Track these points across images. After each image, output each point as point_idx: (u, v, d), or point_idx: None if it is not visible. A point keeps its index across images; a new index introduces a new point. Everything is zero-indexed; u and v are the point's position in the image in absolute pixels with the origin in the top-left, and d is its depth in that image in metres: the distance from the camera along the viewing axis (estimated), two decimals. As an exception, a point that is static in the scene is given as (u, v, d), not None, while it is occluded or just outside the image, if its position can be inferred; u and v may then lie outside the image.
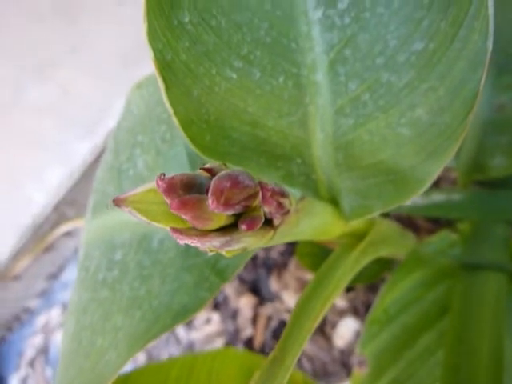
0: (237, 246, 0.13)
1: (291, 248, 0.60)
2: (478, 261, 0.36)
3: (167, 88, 0.16)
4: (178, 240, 0.11)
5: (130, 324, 0.21)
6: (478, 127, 0.39)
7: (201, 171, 0.12)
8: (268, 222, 0.15)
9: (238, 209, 0.12)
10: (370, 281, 0.51)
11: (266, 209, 0.14)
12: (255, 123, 0.19)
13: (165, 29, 0.16)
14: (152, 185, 0.12)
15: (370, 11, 0.18)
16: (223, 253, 0.13)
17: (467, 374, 0.30)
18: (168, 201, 0.11)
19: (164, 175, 0.11)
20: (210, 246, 0.12)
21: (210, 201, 0.11)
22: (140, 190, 0.11)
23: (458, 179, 0.43)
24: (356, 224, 0.23)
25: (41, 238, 0.73)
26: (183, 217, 0.11)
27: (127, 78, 0.64)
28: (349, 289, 0.55)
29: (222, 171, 0.11)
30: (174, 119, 0.17)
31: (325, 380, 0.52)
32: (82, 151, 0.70)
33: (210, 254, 0.12)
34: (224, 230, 0.12)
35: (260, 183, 0.13)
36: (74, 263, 0.80)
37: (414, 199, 0.42)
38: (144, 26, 0.16)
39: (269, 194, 0.13)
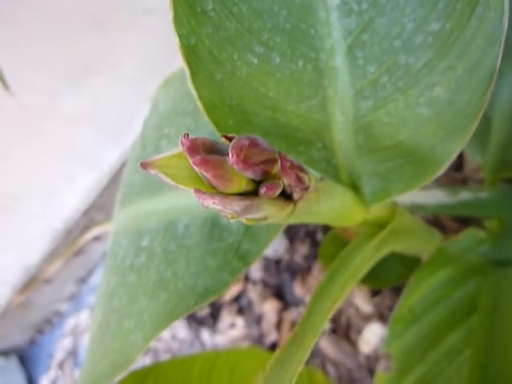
0: (257, 214, 0.13)
1: (315, 251, 0.60)
2: (506, 257, 0.35)
3: (192, 72, 0.17)
4: (200, 201, 0.12)
5: (156, 306, 0.21)
6: (505, 122, 0.38)
7: (223, 139, 0.13)
8: (288, 197, 0.16)
9: (257, 171, 0.12)
10: (396, 283, 0.50)
11: (286, 181, 0.14)
12: (276, 107, 0.19)
13: (189, 16, 0.17)
14: (177, 150, 0.12)
15: (387, -4, 0.18)
16: (244, 221, 0.14)
17: (496, 373, 0.29)
18: (190, 159, 0.12)
19: (188, 135, 0.11)
20: (231, 210, 0.13)
21: (229, 155, 0.11)
22: (166, 154, 0.12)
23: (485, 177, 0.42)
24: (377, 211, 0.23)
25: (71, 242, 0.75)
26: (205, 174, 0.12)
27: (155, 85, 0.66)
28: (374, 293, 0.54)
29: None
30: (199, 103, 0.18)
31: (350, 386, 0.51)
32: (110, 157, 0.73)
33: (232, 220, 0.13)
34: (245, 195, 0.13)
35: (279, 153, 0.13)
36: (102, 267, 0.82)
37: (441, 198, 0.42)
38: (170, 13, 0.17)
39: (287, 164, 0.13)
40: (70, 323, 0.79)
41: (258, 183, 0.13)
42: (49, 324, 0.83)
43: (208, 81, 0.18)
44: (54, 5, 0.69)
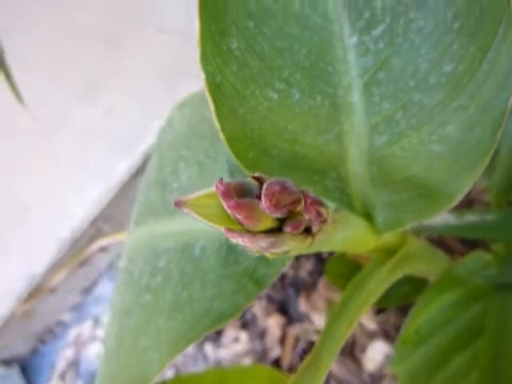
0: (280, 249, 0.14)
1: (320, 267, 0.60)
2: (512, 281, 0.35)
3: (217, 108, 0.18)
4: (230, 238, 0.13)
5: (172, 326, 0.22)
6: None
7: (251, 179, 0.14)
8: (307, 230, 0.16)
9: (284, 212, 0.13)
10: (402, 303, 0.51)
11: (306, 216, 0.15)
12: (294, 140, 0.20)
13: (215, 54, 0.18)
14: (208, 191, 0.13)
15: (402, 37, 0.19)
16: (267, 255, 0.14)
17: (503, 396, 0.29)
18: (224, 202, 0.12)
19: (222, 180, 0.12)
20: (257, 246, 0.13)
21: (263, 201, 0.12)
22: (197, 194, 0.13)
23: (491, 200, 0.43)
24: (389, 238, 0.24)
25: (77, 252, 0.76)
26: (237, 216, 0.12)
27: (165, 100, 0.67)
28: (379, 311, 0.55)
29: (270, 179, 0.13)
30: (222, 136, 0.19)
31: (354, 404, 0.51)
32: (119, 169, 0.74)
33: (256, 254, 0.14)
34: (270, 232, 0.14)
35: (302, 191, 0.14)
36: (107, 278, 0.82)
37: (447, 219, 0.42)
38: (198, 52, 0.18)
39: (309, 201, 0.14)
40: (72, 333, 0.79)
41: (281, 220, 0.14)
42: (51, 334, 0.83)
43: (231, 115, 0.19)
44: (69, 20, 0.71)
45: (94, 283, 0.84)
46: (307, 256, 0.63)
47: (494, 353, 0.32)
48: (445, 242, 0.51)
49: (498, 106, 0.17)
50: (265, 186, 0.12)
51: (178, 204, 0.12)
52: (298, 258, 0.64)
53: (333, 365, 0.54)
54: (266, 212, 0.13)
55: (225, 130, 0.19)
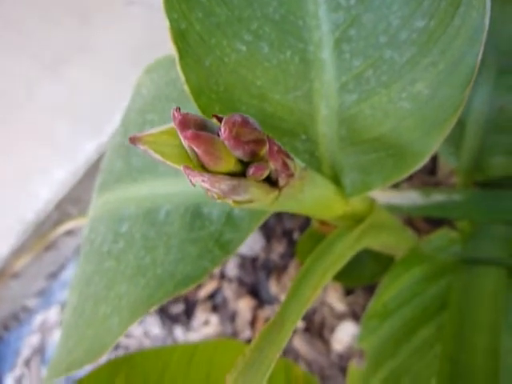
0: (243, 196, 0.13)
1: (291, 250, 0.60)
2: (477, 256, 0.36)
3: (181, 57, 0.17)
4: (189, 178, 0.12)
5: (134, 291, 0.21)
6: (480, 128, 0.40)
7: (213, 118, 0.13)
8: (274, 183, 0.16)
9: (246, 151, 0.12)
10: (370, 282, 0.51)
11: (272, 165, 0.15)
12: (263, 96, 0.20)
13: (181, 0, 0.17)
14: (166, 127, 0.12)
15: (374, -7, 0.19)
16: (230, 203, 0.14)
17: (464, 366, 0.30)
18: (180, 133, 0.12)
19: (180, 109, 0.12)
20: (218, 189, 0.13)
21: (222, 130, 0.11)
22: (155, 130, 0.12)
23: (458, 180, 0.44)
24: (356, 204, 0.23)
25: (42, 235, 0.73)
26: (196, 150, 0.12)
27: (134, 77, 0.65)
28: (348, 292, 0.55)
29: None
30: (186, 88, 0.18)
31: (322, 384, 0.52)
32: (87, 150, 0.71)
33: (218, 200, 0.13)
34: (233, 175, 0.13)
35: (267, 136, 0.13)
36: (74, 262, 0.80)
37: (415, 199, 0.43)
38: (161, -5, 0.17)
39: (275, 148, 0.14)
40: (38, 320, 0.77)
41: (245, 165, 0.13)
42: (16, 320, 0.80)
43: (196, 66, 0.18)
44: (33, -9, 0.68)
45: (61, 268, 0.81)
46: (278, 239, 0.63)
47: (456, 325, 0.33)
48: (412, 222, 0.52)
49: (467, 62, 0.17)
50: (225, 118, 0.12)
51: (133, 140, 0.12)
52: (269, 241, 0.64)
53: (302, 346, 0.54)
54: (227, 146, 0.12)
55: (189, 82, 0.18)
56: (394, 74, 0.19)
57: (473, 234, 0.39)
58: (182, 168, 0.12)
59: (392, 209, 0.42)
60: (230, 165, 0.13)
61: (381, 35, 0.19)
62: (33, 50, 0.68)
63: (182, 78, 0.18)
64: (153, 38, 0.65)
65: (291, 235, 0.61)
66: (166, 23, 0.17)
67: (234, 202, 0.14)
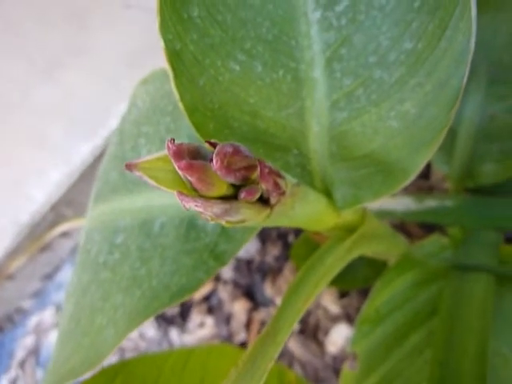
0: (235, 217, 0.14)
1: (286, 253, 0.61)
2: (468, 263, 0.37)
3: (176, 76, 0.18)
4: (183, 203, 0.13)
5: (130, 302, 0.22)
6: (471, 136, 0.41)
7: (206, 144, 0.14)
8: (265, 201, 0.16)
9: (238, 177, 0.13)
10: (363, 286, 0.52)
11: (264, 186, 0.15)
12: (255, 114, 0.20)
13: (175, 21, 0.18)
14: (161, 154, 0.13)
15: (364, 14, 0.19)
16: (223, 223, 0.14)
17: (454, 370, 0.31)
18: (175, 163, 0.12)
19: (174, 140, 0.12)
20: (211, 212, 0.13)
21: (214, 161, 0.12)
22: (150, 157, 0.13)
23: (450, 186, 0.44)
24: (348, 216, 0.24)
25: (37, 237, 0.74)
26: (189, 179, 0.12)
27: (131, 80, 0.65)
28: (342, 295, 0.56)
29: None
30: (180, 106, 0.19)
31: (316, 386, 0.52)
32: (82, 152, 0.72)
33: (211, 222, 0.14)
34: (225, 198, 0.13)
35: (258, 159, 0.14)
36: (69, 264, 0.80)
37: (408, 205, 0.44)
38: (157, 19, 0.17)
39: (266, 170, 0.14)
40: (33, 321, 0.77)
41: (237, 188, 0.14)
42: (10, 322, 0.80)
43: (191, 85, 0.18)
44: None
45: (56, 269, 0.81)
46: (274, 242, 0.64)
47: (446, 329, 0.34)
48: (405, 226, 0.53)
49: (453, 84, 0.18)
50: (217, 148, 0.12)
51: (129, 167, 0.12)
52: (264, 244, 0.64)
53: (296, 348, 0.54)
54: (219, 175, 0.12)
55: (184, 100, 0.18)
56: (383, 93, 0.19)
57: (463, 240, 0.40)
58: (175, 193, 0.12)
59: (385, 214, 0.43)
60: (222, 189, 0.13)
61: (371, 55, 0.19)
62: (29, 53, 0.68)
63: (177, 96, 0.18)
64: (150, 41, 0.66)
65: (286, 238, 0.62)
66: (161, 44, 0.18)
67: (227, 222, 0.14)
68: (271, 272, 0.62)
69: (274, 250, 0.64)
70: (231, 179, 0.13)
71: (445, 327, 0.34)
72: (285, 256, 0.62)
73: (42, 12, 0.66)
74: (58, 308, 0.78)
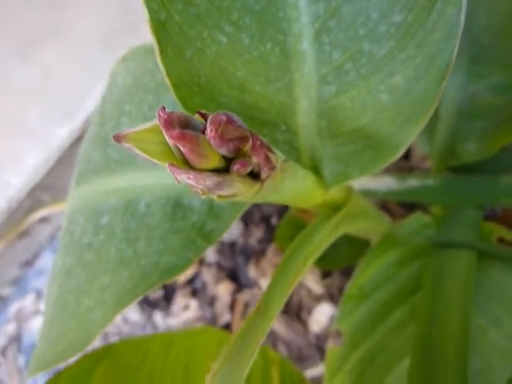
0: (227, 191, 0.14)
1: (270, 235, 0.61)
2: (449, 240, 0.37)
3: (161, 49, 0.17)
4: (174, 175, 0.12)
5: (118, 283, 0.21)
6: (452, 115, 0.41)
7: (196, 115, 0.13)
8: (256, 176, 0.16)
9: (231, 148, 0.13)
10: (346, 264, 0.53)
11: (255, 159, 0.15)
12: (243, 88, 0.20)
13: (160, -11, 0.17)
14: (151, 124, 0.12)
15: (353, -15, 0.19)
16: (215, 197, 0.14)
17: (438, 342, 0.32)
18: (166, 132, 0.12)
19: (164, 108, 0.12)
20: (203, 186, 0.13)
21: (208, 129, 0.11)
22: (139, 128, 0.12)
23: (431, 165, 0.45)
24: (335, 193, 0.24)
25: (15, 223, 0.72)
26: (181, 149, 0.12)
27: (109, 61, 0.63)
28: (325, 275, 0.56)
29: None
30: (166, 80, 0.18)
31: (300, 364, 0.53)
32: (59, 135, 0.70)
33: (203, 196, 0.13)
34: (217, 171, 0.13)
35: (250, 131, 0.14)
36: (49, 250, 0.78)
37: (390, 184, 0.44)
38: (140, -15, 0.16)
39: (258, 142, 0.14)
40: (13, 308, 0.76)
41: (229, 161, 0.14)
42: (-11, 309, 0.79)
43: (177, 57, 0.18)
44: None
45: (35, 256, 0.80)
46: (257, 224, 0.64)
47: (429, 306, 0.34)
48: (386, 206, 0.54)
49: (443, 57, 0.18)
50: (210, 116, 0.12)
51: (118, 138, 0.12)
52: (247, 226, 0.64)
53: (280, 327, 0.55)
54: (212, 145, 0.12)
55: (170, 74, 0.18)
56: (372, 66, 0.19)
57: (445, 218, 0.40)
58: (167, 166, 0.12)
59: (367, 194, 0.43)
60: (215, 162, 0.13)
61: (360, 28, 0.19)
62: (2, 32, 0.65)
63: (163, 70, 0.18)
64: (128, 21, 0.64)
65: (269, 220, 0.62)
66: (145, 14, 0.17)
67: (219, 196, 0.14)
68: (255, 254, 0.63)
69: (258, 233, 0.64)
70: (224, 150, 0.13)
71: (428, 303, 0.34)
72: (268, 238, 0.62)
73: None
74: (39, 295, 0.76)
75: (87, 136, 0.30)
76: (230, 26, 0.19)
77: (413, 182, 0.44)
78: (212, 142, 0.12)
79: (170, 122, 0.11)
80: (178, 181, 0.12)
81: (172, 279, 0.20)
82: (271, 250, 0.62)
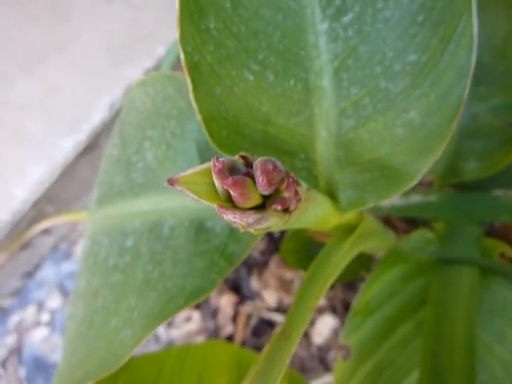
0: (264, 225, 0.15)
1: (272, 247, 0.62)
2: (452, 256, 0.39)
3: (194, 87, 0.18)
4: (222, 215, 0.13)
5: (145, 304, 0.22)
6: (454, 134, 0.42)
7: (238, 158, 0.14)
8: (285, 208, 0.17)
9: (271, 190, 0.14)
10: (349, 279, 0.54)
11: (286, 194, 0.16)
12: (267, 121, 0.21)
13: (194, 33, 0.18)
14: (199, 168, 0.13)
15: (370, 26, 0.21)
16: (252, 231, 0.15)
17: (444, 358, 0.33)
18: (219, 179, 0.13)
19: (218, 158, 0.13)
20: (244, 222, 0.14)
21: (259, 179, 0.13)
22: (189, 172, 0.13)
23: (434, 182, 0.46)
24: (350, 216, 0.25)
25: (18, 234, 0.72)
26: (231, 193, 0.13)
27: (113, 76, 0.64)
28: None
29: (256, 158, 0.14)
30: (198, 116, 0.19)
31: (302, 375, 0.54)
32: (64, 148, 0.70)
33: (242, 230, 0.14)
34: (256, 209, 0.14)
35: (286, 170, 0.15)
36: (50, 261, 0.79)
37: (393, 200, 0.45)
38: (177, 32, 0.18)
39: (291, 180, 0.15)
40: (14, 319, 0.76)
41: (265, 198, 0.15)
42: (-10, 321, 0.78)
43: (208, 95, 0.19)
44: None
45: (37, 267, 0.80)
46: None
47: (435, 320, 0.35)
48: (390, 221, 0.55)
49: (455, 95, 0.19)
50: (258, 165, 0.13)
51: (171, 182, 0.13)
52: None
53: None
54: (258, 189, 0.13)
55: (201, 110, 0.19)
56: (388, 102, 0.20)
57: (447, 234, 0.42)
58: (216, 207, 0.13)
59: (373, 209, 0.45)
60: (257, 201, 0.14)
61: (376, 66, 0.20)
62: (9, 47, 0.66)
63: (195, 106, 0.19)
64: (132, 36, 0.65)
65: (271, 233, 0.63)
66: (181, 56, 0.18)
67: (256, 230, 0.15)
68: (257, 266, 0.63)
69: (260, 245, 0.64)
70: (266, 192, 0.14)
71: (433, 318, 0.35)
72: (271, 250, 0.63)
73: (23, 5, 0.64)
74: (40, 306, 0.77)
75: (106, 158, 0.31)
76: (257, 64, 0.20)
77: (416, 198, 0.45)
78: (261, 188, 0.13)
79: (223, 170, 0.13)
80: (225, 220, 0.13)
81: (196, 302, 0.21)
82: (274, 262, 0.62)
